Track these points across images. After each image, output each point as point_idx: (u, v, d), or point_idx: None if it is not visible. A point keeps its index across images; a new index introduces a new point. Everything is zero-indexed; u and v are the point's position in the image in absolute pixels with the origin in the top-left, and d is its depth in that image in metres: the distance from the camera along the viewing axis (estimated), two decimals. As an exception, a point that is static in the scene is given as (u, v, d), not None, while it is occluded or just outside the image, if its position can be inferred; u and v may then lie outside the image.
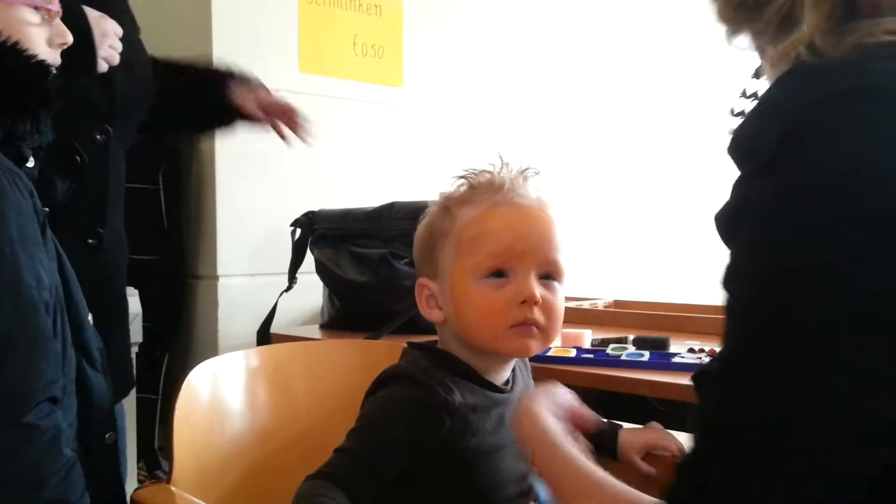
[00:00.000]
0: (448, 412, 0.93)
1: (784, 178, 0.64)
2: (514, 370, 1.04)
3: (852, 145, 0.62)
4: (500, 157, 1.00)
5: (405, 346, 1.04)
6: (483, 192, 0.97)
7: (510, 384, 1.02)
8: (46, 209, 1.07)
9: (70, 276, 1.13)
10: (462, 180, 1.00)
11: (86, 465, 1.08)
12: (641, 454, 1.13)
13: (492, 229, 0.95)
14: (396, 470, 0.90)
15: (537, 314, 0.94)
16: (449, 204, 0.98)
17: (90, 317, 1.18)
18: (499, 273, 0.94)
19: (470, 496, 0.96)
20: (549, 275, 0.97)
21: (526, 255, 0.94)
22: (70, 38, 1.12)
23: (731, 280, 0.67)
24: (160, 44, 2.28)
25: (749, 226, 0.65)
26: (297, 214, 2.22)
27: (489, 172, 1.00)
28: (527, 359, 1.10)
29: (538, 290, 0.94)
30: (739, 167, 0.71)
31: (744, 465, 0.62)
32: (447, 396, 0.93)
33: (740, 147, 0.71)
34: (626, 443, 1.13)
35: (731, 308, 0.66)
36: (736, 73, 1.00)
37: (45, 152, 1.12)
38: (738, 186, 0.70)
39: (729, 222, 0.69)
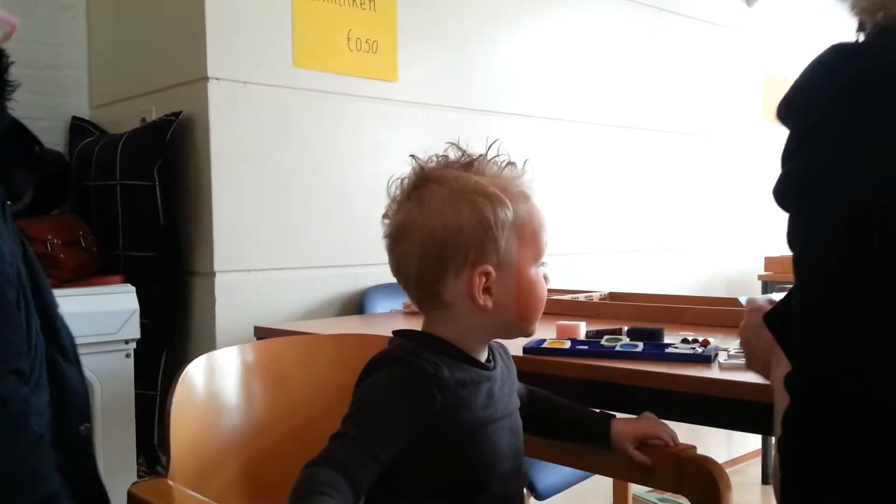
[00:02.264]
0: (438, 387, 0.96)
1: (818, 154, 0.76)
2: (493, 351, 1.09)
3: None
4: (491, 144, 1.04)
5: (390, 335, 1.07)
6: (520, 185, 1.03)
7: (492, 363, 1.07)
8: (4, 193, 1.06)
9: (36, 266, 1.14)
10: (464, 161, 1.03)
11: (60, 456, 1.09)
12: (635, 443, 1.15)
13: (542, 221, 1.04)
14: (394, 450, 0.93)
15: None
16: (497, 194, 1.00)
17: (60, 309, 1.19)
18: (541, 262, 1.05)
19: (468, 471, 0.99)
20: None
21: None
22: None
23: (791, 241, 0.79)
24: (153, 41, 2.30)
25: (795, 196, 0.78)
26: (294, 210, 2.23)
27: (511, 164, 1.04)
28: (505, 346, 1.15)
29: None
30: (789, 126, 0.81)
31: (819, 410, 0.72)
32: (435, 372, 0.97)
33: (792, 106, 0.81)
34: (619, 432, 1.16)
35: (794, 263, 0.78)
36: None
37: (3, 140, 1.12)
38: (786, 160, 0.80)
39: (781, 193, 0.80)
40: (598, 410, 1.23)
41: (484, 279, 0.99)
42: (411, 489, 0.98)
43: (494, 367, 1.06)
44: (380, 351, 1.02)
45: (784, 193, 0.80)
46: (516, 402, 1.10)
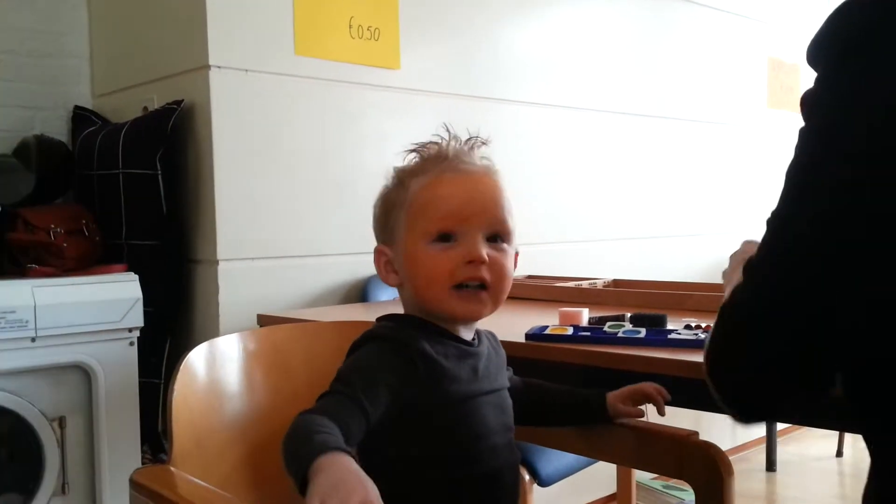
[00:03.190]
0: (420, 357, 0.98)
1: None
2: (479, 334, 1.09)
3: None
4: (448, 129, 1.06)
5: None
6: (431, 162, 1.04)
7: (476, 341, 1.07)
8: None
9: None
10: (413, 153, 1.07)
11: None
12: (627, 402, 1.17)
13: (439, 195, 1.01)
14: (379, 409, 0.93)
15: (484, 272, 1.00)
16: (401, 176, 1.05)
17: None
18: (446, 237, 1.00)
19: (457, 443, 1.00)
20: (498, 236, 1.03)
21: (472, 218, 1.00)
22: None
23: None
24: (154, 29, 2.29)
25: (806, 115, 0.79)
26: (297, 198, 2.23)
27: (437, 144, 1.06)
28: (495, 333, 1.15)
29: (485, 250, 1.00)
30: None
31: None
32: (416, 345, 0.98)
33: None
34: (611, 398, 1.18)
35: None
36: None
37: None
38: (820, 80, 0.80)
39: (804, 107, 0.80)
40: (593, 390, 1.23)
41: (382, 258, 1.06)
42: (404, 463, 0.99)
43: (479, 345, 1.07)
44: (363, 332, 1.04)
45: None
46: (504, 383, 1.10)
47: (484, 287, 1.00)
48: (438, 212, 1.00)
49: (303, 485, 0.76)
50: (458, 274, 0.99)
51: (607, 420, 1.18)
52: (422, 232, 1.00)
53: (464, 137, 1.06)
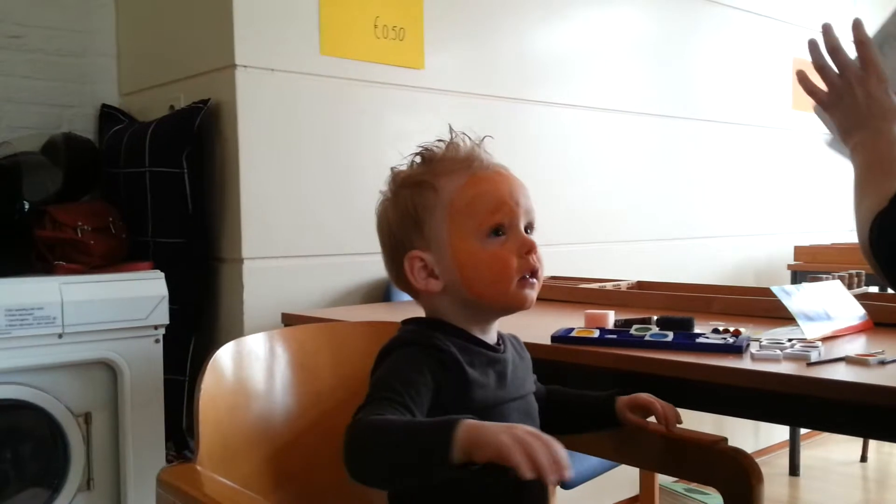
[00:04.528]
0: (450, 363, 0.97)
1: None
2: (503, 338, 1.09)
3: None
4: (451, 129, 1.07)
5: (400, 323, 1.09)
6: (455, 163, 1.03)
7: (501, 346, 1.07)
8: None
9: None
10: (417, 157, 1.06)
11: None
12: (634, 411, 1.16)
13: (485, 191, 1.01)
14: (423, 410, 0.92)
15: (535, 262, 1.01)
16: (424, 179, 1.03)
17: None
18: (498, 231, 1.00)
19: None
20: (530, 225, 1.04)
21: (516, 211, 1.01)
22: None
23: None
24: (181, 29, 2.30)
25: None
26: (321, 197, 2.23)
27: (441, 146, 1.05)
28: (518, 336, 1.14)
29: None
30: None
31: None
32: (446, 349, 0.98)
33: None
34: (620, 403, 1.17)
35: None
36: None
37: None
38: None
39: None
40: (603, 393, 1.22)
41: (418, 263, 1.02)
42: None
43: (504, 351, 1.06)
44: (391, 338, 1.03)
45: None
46: (531, 388, 1.10)
47: (534, 275, 1.02)
48: (488, 207, 1.00)
49: (440, 460, 0.77)
50: (519, 268, 1.00)
51: (616, 424, 1.17)
52: (473, 230, 1.00)
53: (466, 137, 1.06)
